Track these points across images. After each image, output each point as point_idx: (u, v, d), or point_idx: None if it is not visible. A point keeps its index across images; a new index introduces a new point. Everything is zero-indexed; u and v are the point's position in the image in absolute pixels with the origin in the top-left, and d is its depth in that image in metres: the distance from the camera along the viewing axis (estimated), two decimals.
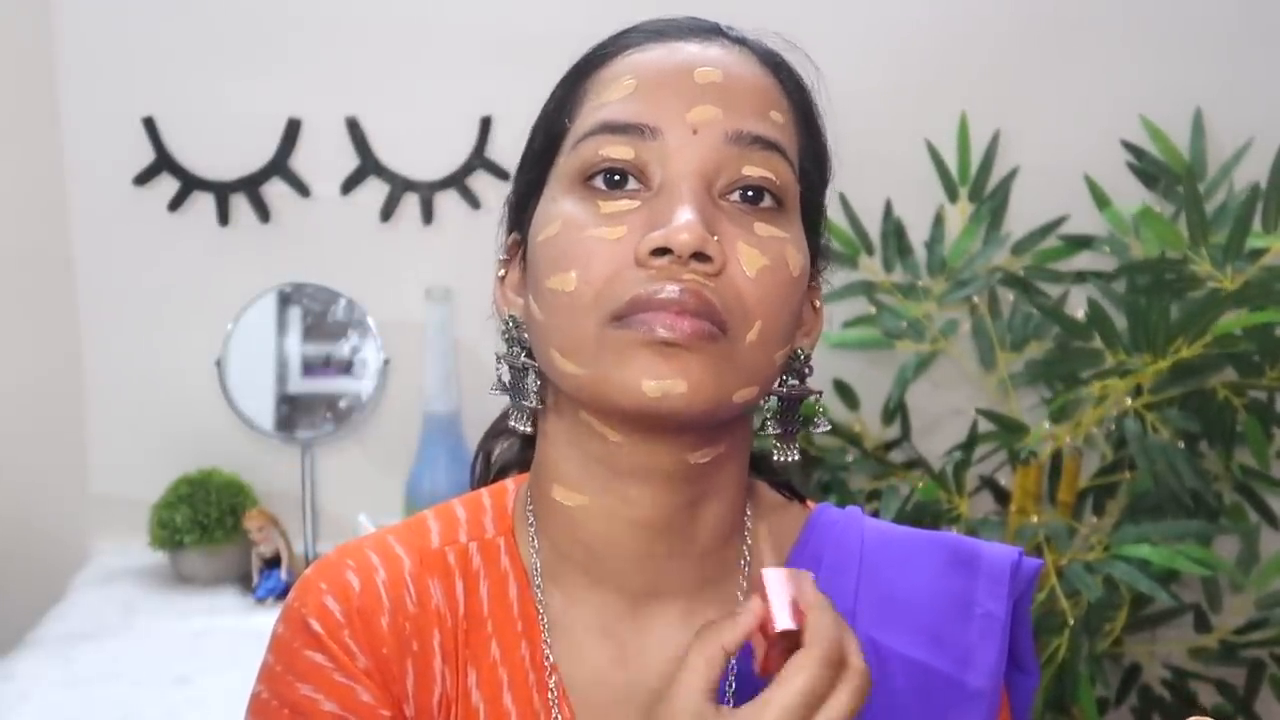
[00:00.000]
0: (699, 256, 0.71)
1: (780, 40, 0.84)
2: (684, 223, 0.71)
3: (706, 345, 0.71)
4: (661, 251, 0.71)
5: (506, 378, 0.82)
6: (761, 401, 0.80)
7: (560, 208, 0.76)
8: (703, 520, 0.80)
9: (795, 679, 0.67)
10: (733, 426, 0.79)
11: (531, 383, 0.80)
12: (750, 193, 0.75)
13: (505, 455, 0.94)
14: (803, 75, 0.83)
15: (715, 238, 0.72)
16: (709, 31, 0.81)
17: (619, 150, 0.74)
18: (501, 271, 0.84)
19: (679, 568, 0.81)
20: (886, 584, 0.85)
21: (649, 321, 0.71)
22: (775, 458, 0.83)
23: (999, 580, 0.86)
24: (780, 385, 0.81)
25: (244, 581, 2.25)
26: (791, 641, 0.70)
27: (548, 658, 0.81)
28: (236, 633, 2.02)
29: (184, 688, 1.87)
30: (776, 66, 0.81)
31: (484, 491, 0.88)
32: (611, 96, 0.76)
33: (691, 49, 0.78)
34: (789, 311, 0.76)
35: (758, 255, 0.74)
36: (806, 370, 0.83)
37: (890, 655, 0.83)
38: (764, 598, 0.70)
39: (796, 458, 0.82)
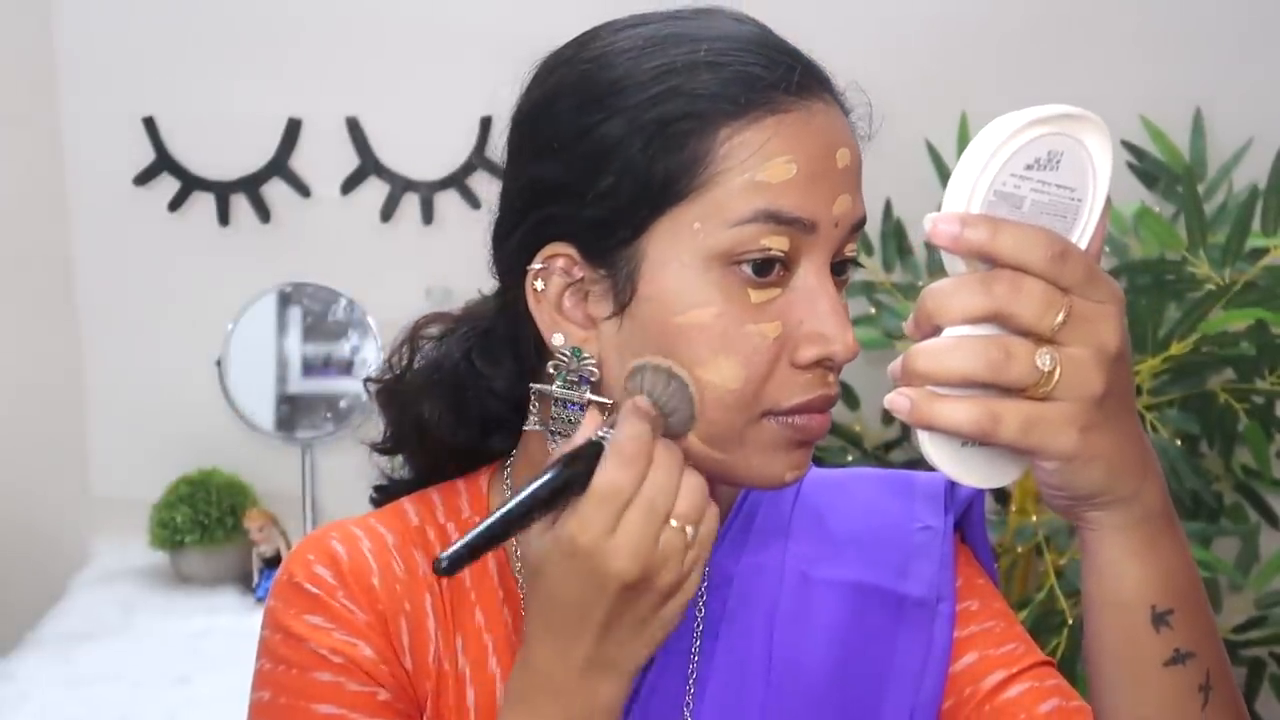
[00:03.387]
0: None
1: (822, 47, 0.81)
2: (848, 338, 0.73)
3: None
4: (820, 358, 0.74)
5: (538, 409, 0.80)
6: None
7: (707, 290, 0.73)
8: (704, 474, 0.83)
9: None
10: None
11: (574, 415, 0.78)
12: (840, 266, 0.77)
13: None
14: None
15: None
16: (816, 79, 0.76)
17: (779, 242, 0.72)
18: (540, 284, 0.77)
19: None
20: (822, 520, 0.88)
21: (804, 425, 0.75)
22: None
23: (934, 498, 0.89)
24: None
25: (244, 581, 2.25)
26: None
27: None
28: (236, 633, 2.02)
29: (184, 688, 1.87)
30: (847, 110, 0.79)
31: (458, 480, 0.90)
32: (772, 177, 0.71)
33: (818, 116, 0.74)
34: None
35: None
36: None
37: (821, 586, 0.85)
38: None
39: None
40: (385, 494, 0.94)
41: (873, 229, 2.19)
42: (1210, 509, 1.91)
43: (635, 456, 0.68)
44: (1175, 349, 1.82)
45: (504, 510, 0.67)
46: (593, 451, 0.69)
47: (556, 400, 0.78)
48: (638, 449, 0.68)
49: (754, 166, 0.71)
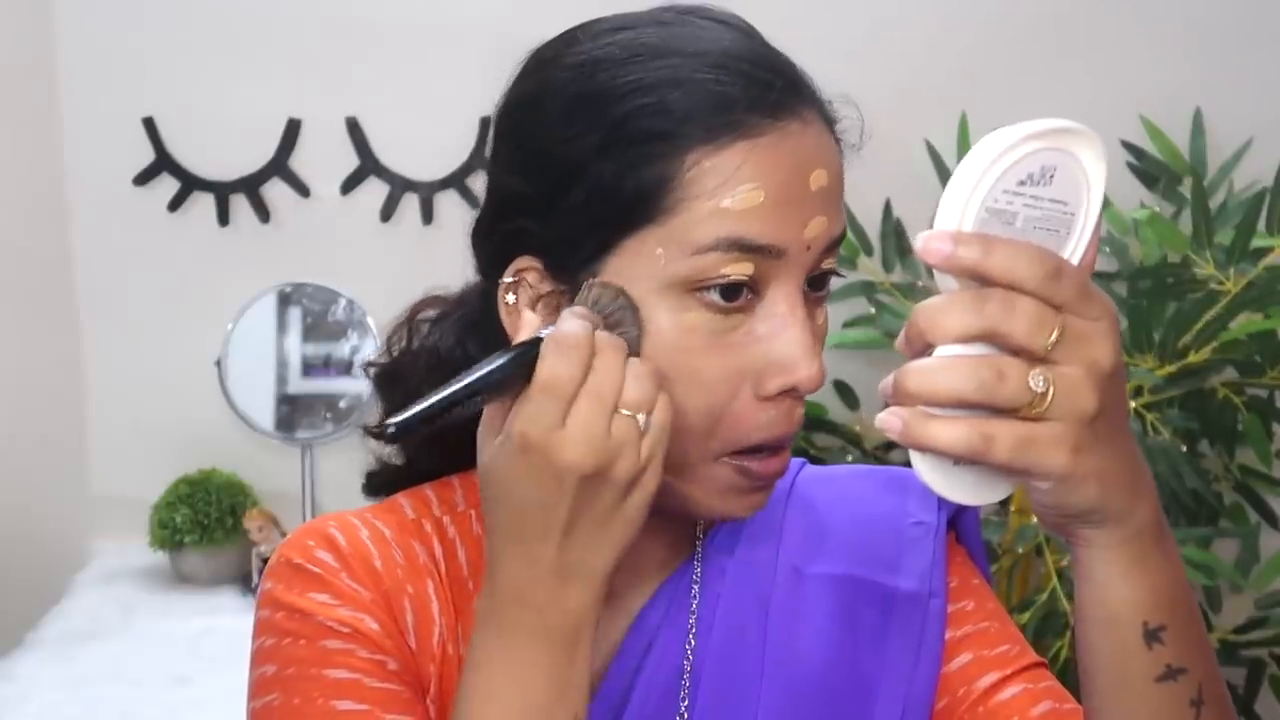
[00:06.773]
0: None
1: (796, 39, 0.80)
2: (815, 368, 0.72)
3: None
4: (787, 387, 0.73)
5: None
6: None
7: (665, 319, 0.72)
8: (664, 503, 0.81)
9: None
10: None
11: None
12: (819, 280, 0.76)
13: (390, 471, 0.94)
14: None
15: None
16: (796, 95, 0.74)
17: (742, 268, 0.71)
18: (511, 298, 0.77)
19: (644, 545, 0.80)
20: (815, 515, 0.88)
21: (762, 471, 0.75)
22: None
23: (928, 494, 0.88)
24: None
25: (244, 581, 2.25)
26: None
27: None
28: (236, 633, 1.99)
29: (184, 688, 1.87)
30: (832, 121, 0.77)
31: (453, 477, 0.89)
32: (736, 203, 0.70)
33: (794, 135, 0.72)
34: None
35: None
36: None
37: (813, 580, 0.85)
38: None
39: None
40: (376, 480, 0.93)
41: (872, 229, 2.18)
42: (1211, 509, 1.91)
43: (574, 346, 0.67)
44: (1193, 358, 1.81)
45: (450, 389, 0.67)
46: (535, 349, 0.68)
47: None
48: (576, 340, 0.67)
49: (720, 194, 0.70)
